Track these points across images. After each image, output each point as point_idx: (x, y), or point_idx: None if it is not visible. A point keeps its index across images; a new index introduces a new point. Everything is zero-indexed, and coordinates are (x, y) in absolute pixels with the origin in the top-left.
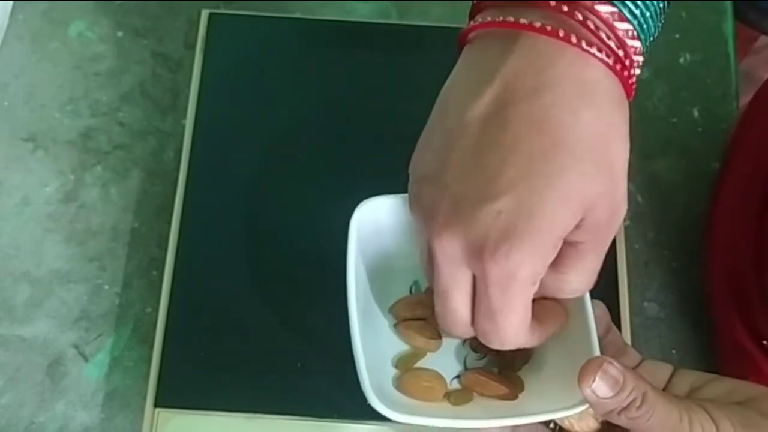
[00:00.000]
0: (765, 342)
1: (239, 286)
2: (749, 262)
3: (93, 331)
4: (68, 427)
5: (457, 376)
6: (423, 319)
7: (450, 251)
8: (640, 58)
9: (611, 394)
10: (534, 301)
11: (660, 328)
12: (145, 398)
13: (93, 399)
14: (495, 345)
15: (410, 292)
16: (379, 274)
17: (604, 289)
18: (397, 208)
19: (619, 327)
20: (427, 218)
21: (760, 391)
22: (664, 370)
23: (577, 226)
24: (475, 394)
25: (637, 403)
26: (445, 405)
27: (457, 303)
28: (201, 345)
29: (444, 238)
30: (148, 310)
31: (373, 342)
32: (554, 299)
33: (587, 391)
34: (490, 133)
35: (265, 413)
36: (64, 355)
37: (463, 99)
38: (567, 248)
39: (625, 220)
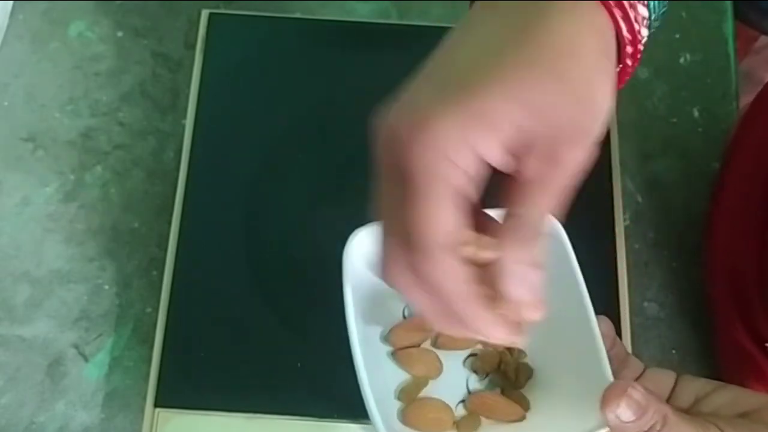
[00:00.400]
0: (767, 344)
1: (239, 286)
2: (751, 263)
3: (93, 331)
4: (68, 427)
5: (462, 401)
6: (420, 345)
7: (382, 137)
8: (645, 12)
9: (634, 418)
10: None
11: (660, 328)
12: (145, 398)
13: (93, 399)
14: (419, 260)
15: (403, 315)
16: (370, 300)
17: (604, 289)
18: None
19: (619, 327)
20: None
21: (766, 401)
22: (668, 378)
23: (531, 147)
24: (482, 418)
25: (658, 427)
26: None
27: (386, 201)
28: (201, 345)
29: (380, 127)
30: (148, 310)
31: (375, 375)
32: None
33: (611, 416)
34: (461, 36)
35: (265, 413)
36: (64, 355)
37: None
38: (526, 184)
39: (625, 220)
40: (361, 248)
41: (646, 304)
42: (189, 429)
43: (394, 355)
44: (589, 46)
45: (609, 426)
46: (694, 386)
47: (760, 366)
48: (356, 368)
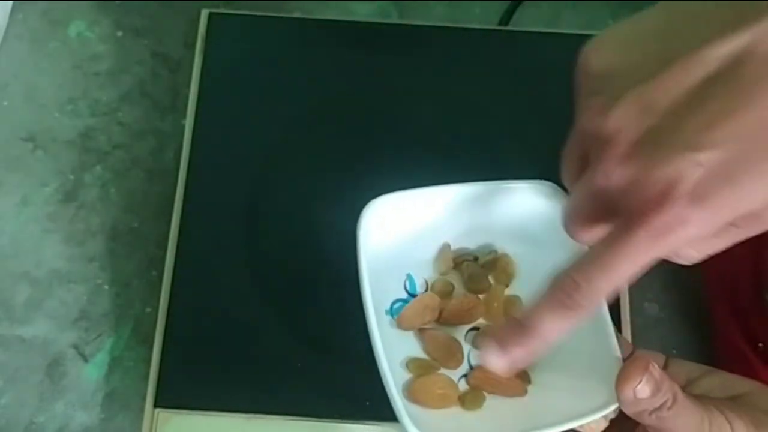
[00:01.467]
0: (761, 345)
1: (239, 286)
2: (744, 263)
3: (93, 331)
4: (68, 427)
5: (464, 375)
6: (429, 323)
7: (616, 181)
8: None
9: (650, 395)
10: None
11: (660, 328)
12: (144, 398)
13: (93, 399)
14: (573, 290)
15: (404, 288)
16: (375, 273)
17: None
18: (399, 204)
19: (619, 327)
20: (605, 128)
21: (755, 387)
22: (658, 360)
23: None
24: (485, 393)
25: (669, 404)
26: (458, 410)
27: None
28: (201, 345)
29: (619, 168)
30: (148, 310)
31: (385, 346)
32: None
33: (628, 393)
34: (722, 80)
35: (265, 413)
36: (64, 355)
37: (704, 28)
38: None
39: None
40: (376, 217)
41: (646, 304)
42: (189, 429)
43: (418, 332)
44: None
45: (621, 403)
46: (685, 369)
47: (755, 368)
48: (372, 338)
